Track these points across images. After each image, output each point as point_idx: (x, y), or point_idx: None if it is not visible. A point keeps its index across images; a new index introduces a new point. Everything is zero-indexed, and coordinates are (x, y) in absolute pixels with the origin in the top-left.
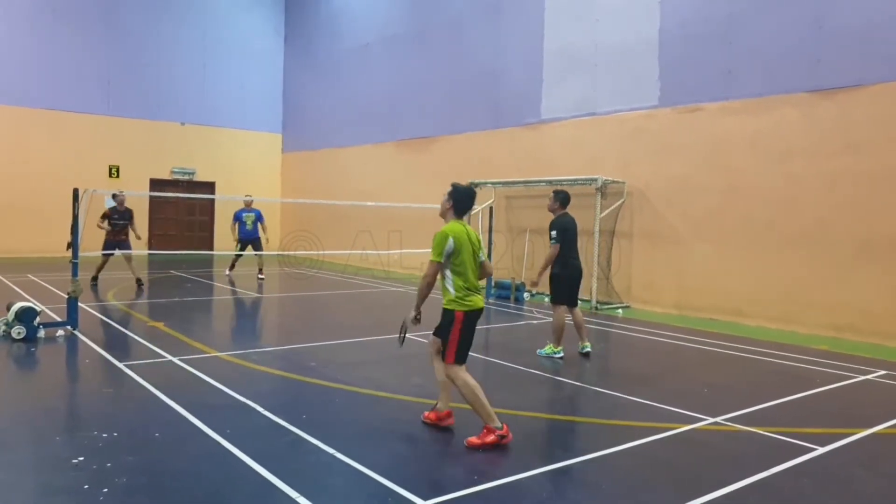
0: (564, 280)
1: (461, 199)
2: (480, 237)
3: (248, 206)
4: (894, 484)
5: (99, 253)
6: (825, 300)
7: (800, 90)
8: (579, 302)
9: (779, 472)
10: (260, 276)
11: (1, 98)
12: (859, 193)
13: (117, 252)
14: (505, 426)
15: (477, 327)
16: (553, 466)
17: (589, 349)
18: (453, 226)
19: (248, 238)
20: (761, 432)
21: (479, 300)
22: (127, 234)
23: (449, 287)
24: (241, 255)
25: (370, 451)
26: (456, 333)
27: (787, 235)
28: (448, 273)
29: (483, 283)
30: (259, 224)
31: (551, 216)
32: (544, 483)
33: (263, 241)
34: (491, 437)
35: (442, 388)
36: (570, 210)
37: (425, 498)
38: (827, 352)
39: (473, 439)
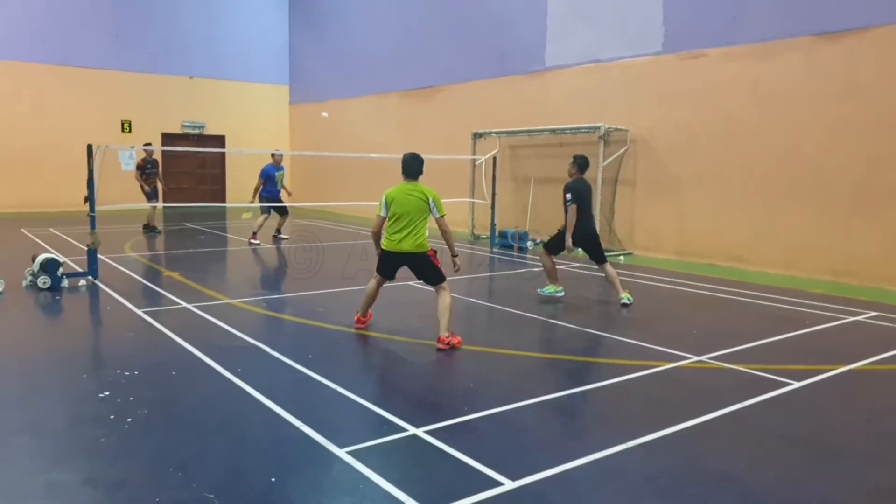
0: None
1: (405, 165)
2: (428, 195)
3: (278, 164)
4: (861, 414)
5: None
6: (824, 246)
7: (805, 34)
8: (607, 257)
9: (751, 404)
10: (282, 235)
11: (15, 54)
12: (859, 140)
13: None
14: (369, 314)
15: (481, 275)
16: (536, 399)
17: (627, 300)
18: (395, 187)
19: (278, 197)
20: (741, 369)
21: (396, 243)
22: (155, 184)
23: None
24: (268, 215)
25: (369, 385)
26: (378, 259)
27: (788, 182)
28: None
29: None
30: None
31: (555, 167)
32: (527, 414)
33: (285, 197)
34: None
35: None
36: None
37: (417, 425)
38: (823, 295)
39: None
